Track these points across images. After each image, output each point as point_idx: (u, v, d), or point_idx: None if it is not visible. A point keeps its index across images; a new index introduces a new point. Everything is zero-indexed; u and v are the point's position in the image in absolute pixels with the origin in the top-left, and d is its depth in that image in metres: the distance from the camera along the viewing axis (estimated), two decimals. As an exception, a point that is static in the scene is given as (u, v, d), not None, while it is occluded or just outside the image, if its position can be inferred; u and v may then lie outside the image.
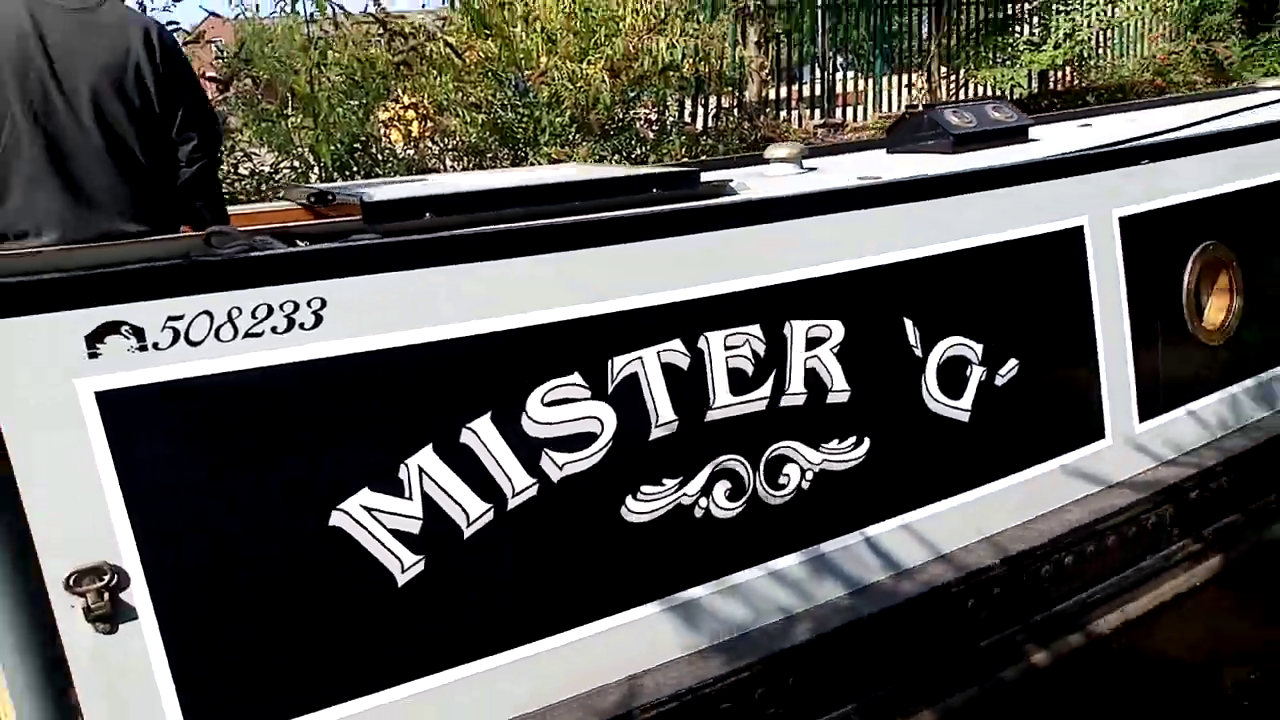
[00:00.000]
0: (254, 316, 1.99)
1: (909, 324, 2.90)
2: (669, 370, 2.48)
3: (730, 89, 10.60)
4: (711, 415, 2.55)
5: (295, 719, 2.05)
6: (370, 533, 2.12)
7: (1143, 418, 3.53)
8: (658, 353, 2.47)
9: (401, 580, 2.15)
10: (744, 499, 2.60)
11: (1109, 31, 13.80)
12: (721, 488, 2.57)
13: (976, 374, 3.05)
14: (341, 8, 6.52)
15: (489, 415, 2.24)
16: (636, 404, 2.44)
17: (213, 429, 2.01)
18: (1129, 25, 14.09)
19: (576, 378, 2.35)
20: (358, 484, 2.11)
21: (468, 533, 2.22)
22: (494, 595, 2.30)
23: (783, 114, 11.36)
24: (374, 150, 6.91)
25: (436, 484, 2.20)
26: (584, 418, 2.37)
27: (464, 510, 2.22)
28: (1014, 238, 3.18)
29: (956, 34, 12.70)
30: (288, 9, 6.49)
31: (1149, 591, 3.42)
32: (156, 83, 2.72)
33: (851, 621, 2.63)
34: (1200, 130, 4.10)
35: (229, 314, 1.96)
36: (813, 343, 2.72)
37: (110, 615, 1.89)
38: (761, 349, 2.62)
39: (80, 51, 2.61)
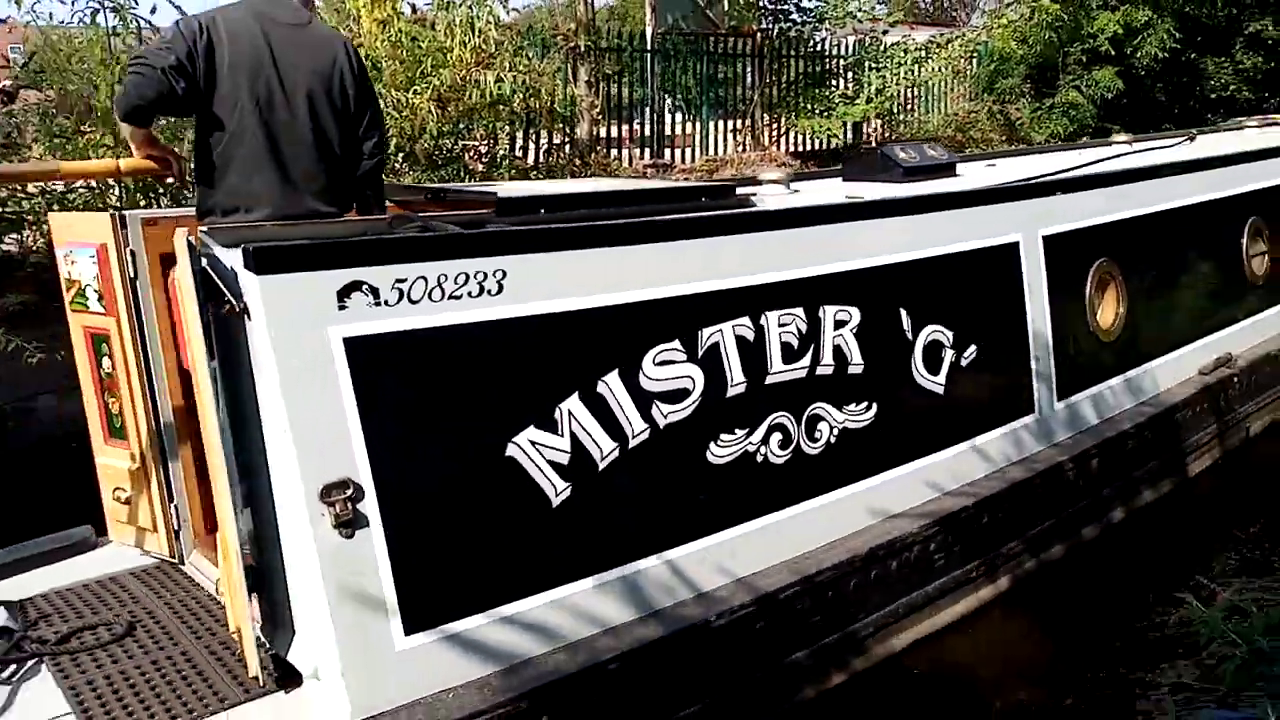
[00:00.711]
0: (456, 282, 2.52)
1: (903, 313, 3.66)
2: (741, 342, 3.14)
3: (561, 125, 10.72)
4: (769, 379, 3.23)
5: (472, 614, 2.56)
6: (534, 462, 2.68)
7: (1059, 398, 4.41)
8: (733, 327, 3.11)
9: (555, 502, 2.71)
10: (790, 449, 3.29)
11: (915, 89, 14.80)
12: (775, 438, 3.25)
13: (949, 356, 3.85)
14: (149, 23, 6.17)
15: (617, 371, 2.84)
16: (718, 368, 3.08)
17: (425, 372, 2.51)
18: (933, 85, 15.18)
19: (677, 344, 2.98)
20: (526, 422, 2.67)
21: (601, 466, 2.80)
22: (618, 517, 2.88)
23: (614, 152, 11.57)
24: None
25: (580, 425, 2.76)
26: (682, 376, 3.00)
27: (599, 447, 2.80)
28: (972, 248, 4.03)
29: (779, 85, 13.30)
30: (86, 19, 6.07)
31: (1094, 522, 4.49)
32: (354, 89, 3.23)
33: (878, 540, 3.40)
34: (1091, 171, 5.04)
35: (438, 279, 2.48)
36: (839, 324, 3.44)
37: (351, 521, 2.39)
38: (804, 327, 3.33)
39: (298, 59, 3.09)
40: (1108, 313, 4.76)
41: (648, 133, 12.20)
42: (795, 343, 3.31)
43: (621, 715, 2.76)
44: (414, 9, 8.30)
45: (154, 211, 4.06)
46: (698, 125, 12.66)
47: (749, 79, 13.08)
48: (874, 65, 13.62)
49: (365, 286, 2.40)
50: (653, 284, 2.95)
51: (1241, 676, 3.03)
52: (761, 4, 12.95)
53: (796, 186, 4.46)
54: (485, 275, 2.58)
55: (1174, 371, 5.16)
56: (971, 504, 3.74)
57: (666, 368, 2.96)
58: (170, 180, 3.73)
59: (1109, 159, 5.68)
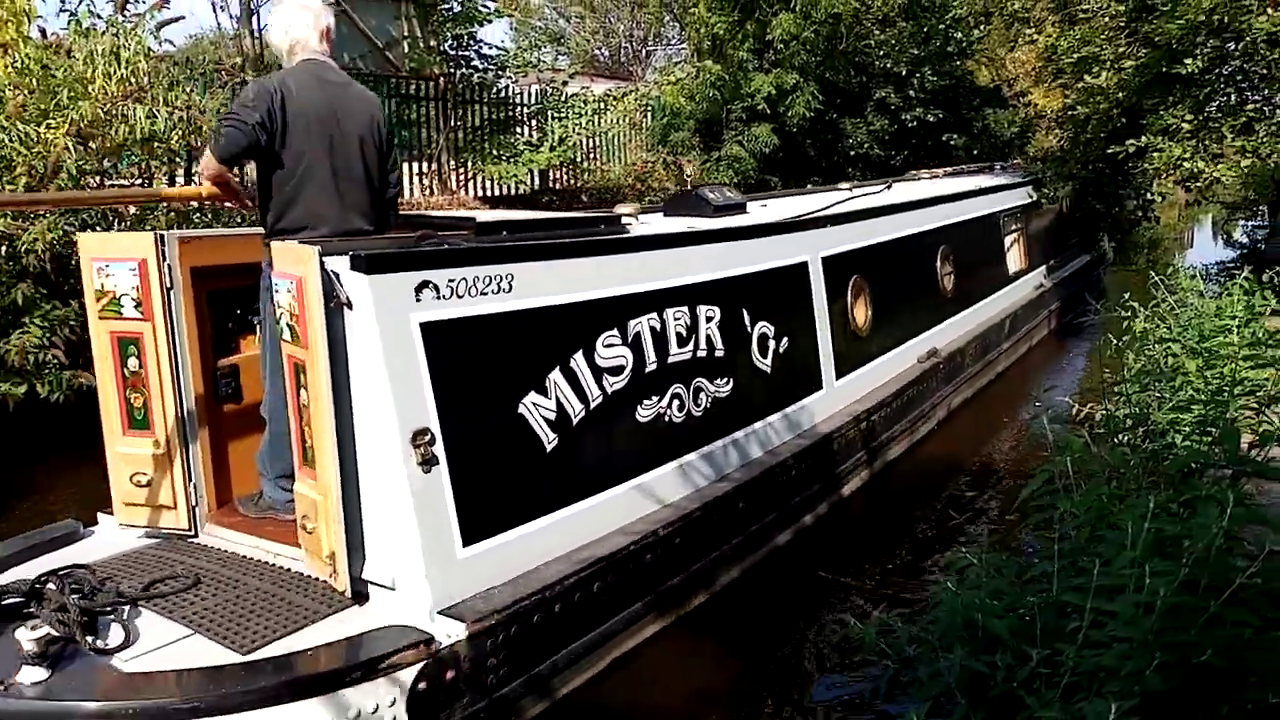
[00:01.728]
0: (484, 281, 3.51)
1: (744, 312, 5.06)
2: (653, 331, 4.35)
3: (229, 165, 10.01)
4: (670, 360, 4.45)
5: (503, 531, 3.54)
6: (535, 419, 3.70)
7: (837, 377, 6.02)
8: (647, 320, 4.32)
9: (548, 448, 3.75)
10: (684, 411, 4.54)
11: (596, 139, 15.40)
12: (674, 404, 4.49)
13: (771, 345, 5.25)
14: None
15: (581, 350, 3.93)
16: (640, 350, 4.26)
17: (468, 348, 3.48)
18: (614, 135, 15.88)
19: (615, 331, 4.12)
20: (528, 388, 3.68)
21: (574, 420, 3.87)
22: (586, 459, 3.96)
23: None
24: None
25: (561, 391, 3.81)
26: (619, 356, 4.14)
27: (573, 407, 3.86)
28: (782, 265, 5.54)
29: (464, 129, 13.29)
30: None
31: (870, 463, 6.20)
32: (384, 136, 4.06)
33: (738, 482, 4.71)
34: (843, 210, 6.69)
35: (475, 280, 3.47)
36: (708, 319, 4.74)
37: (429, 460, 3.31)
38: (689, 321, 4.60)
39: (351, 113, 3.89)
40: (860, 316, 6.44)
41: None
42: (684, 333, 4.59)
43: (593, 603, 3.78)
44: (44, 34, 7.38)
45: (187, 232, 4.56)
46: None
47: (436, 123, 12.94)
48: (556, 115, 14.00)
49: (431, 284, 3.39)
50: (601, 286, 4.12)
51: (894, 684, 3.34)
52: (443, 49, 12.87)
53: (643, 219, 5.42)
54: (502, 278, 3.62)
55: (903, 360, 7.02)
56: (790, 456, 5.19)
57: (611, 349, 4.13)
58: (230, 205, 4.62)
59: (846, 200, 7.21)
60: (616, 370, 4.12)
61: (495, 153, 12.92)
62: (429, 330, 3.36)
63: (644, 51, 28.98)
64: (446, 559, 3.37)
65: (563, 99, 14.32)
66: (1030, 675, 2.73)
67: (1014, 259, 10.02)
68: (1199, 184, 9.29)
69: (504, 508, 3.60)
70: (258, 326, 4.10)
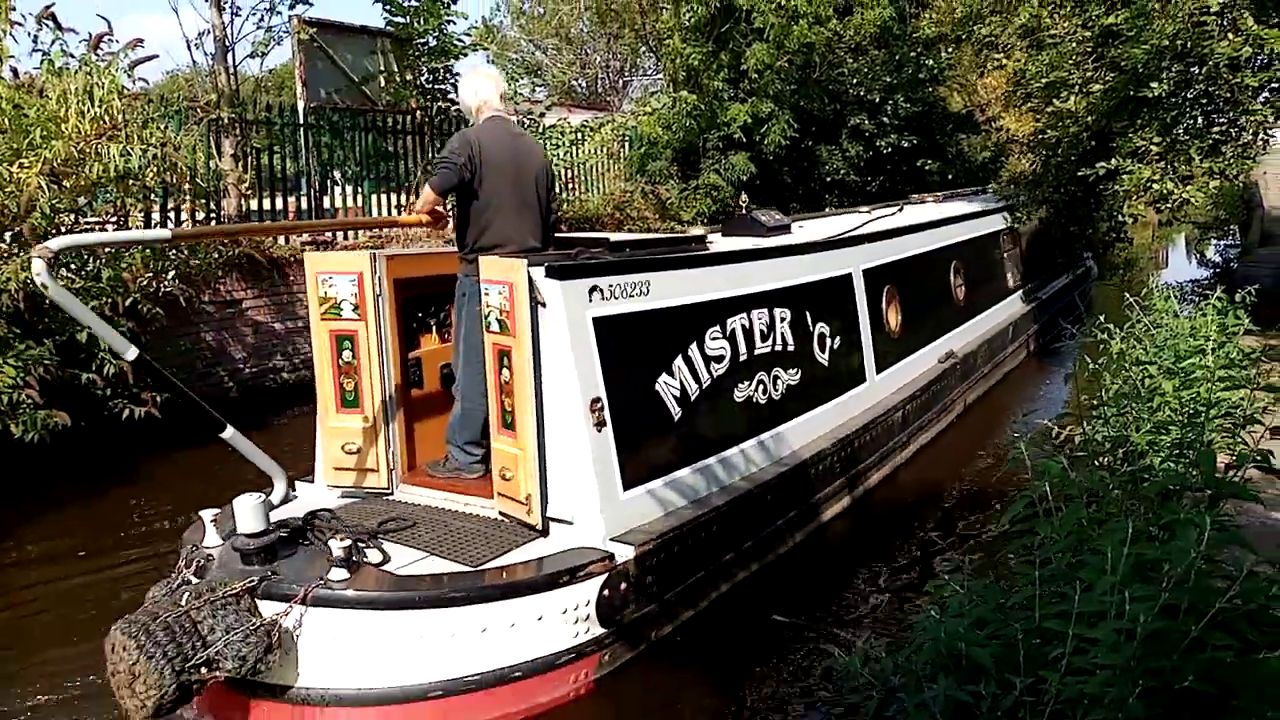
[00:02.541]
0: (631, 286, 4.62)
1: (807, 314, 6.17)
2: (743, 329, 5.45)
3: (205, 201, 9.98)
4: (756, 352, 5.57)
5: (652, 479, 4.65)
6: (665, 398, 4.81)
7: (877, 371, 7.14)
8: (739, 320, 5.41)
9: (675, 418, 4.86)
10: (765, 395, 5.65)
11: (575, 169, 15.47)
12: (760, 388, 5.60)
13: (828, 343, 6.40)
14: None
15: (695, 342, 5.04)
16: (735, 344, 5.36)
17: (623, 335, 4.54)
18: (592, 165, 15.96)
19: (718, 328, 5.23)
20: (660, 369, 4.81)
21: (694, 398, 4.97)
22: (700, 431, 5.04)
23: (268, 229, 10.93)
24: None
25: (682, 373, 4.92)
26: (721, 348, 5.25)
27: (690, 387, 4.98)
28: (832, 275, 6.65)
29: (441, 161, 13.32)
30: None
31: (904, 446, 7.34)
32: (549, 175, 5.12)
33: (817, 451, 5.92)
34: (875, 229, 7.87)
35: (625, 285, 4.59)
36: (782, 320, 5.85)
37: (601, 421, 4.40)
38: (769, 321, 5.71)
39: (526, 157, 4.93)
40: (893, 320, 7.58)
41: (304, 207, 11.67)
42: (765, 330, 5.73)
43: (711, 540, 4.89)
44: (16, 74, 7.36)
45: (390, 251, 5.54)
46: (359, 200, 12.31)
47: (414, 155, 12.96)
48: (534, 145, 14.05)
49: (598, 288, 4.51)
50: (709, 291, 5.27)
51: (880, 715, 3.31)
52: (420, 82, 12.92)
53: (711, 239, 6.41)
54: (642, 284, 4.77)
55: (927, 360, 8.15)
56: (833, 444, 6.13)
57: (715, 341, 5.27)
58: (435, 228, 5.21)
59: (870, 221, 8.39)
60: (719, 359, 5.32)
61: (473, 184, 12.93)
62: (598, 322, 4.52)
63: (621, 82, 29.20)
64: (613, 499, 4.48)
65: (540, 130, 14.38)
66: (1015, 704, 2.72)
67: (1012, 273, 11.27)
68: (1169, 205, 9.41)
69: (647, 463, 4.71)
70: (451, 325, 5.28)
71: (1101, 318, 7.04)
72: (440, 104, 13.11)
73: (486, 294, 4.47)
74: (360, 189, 12.32)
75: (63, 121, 6.83)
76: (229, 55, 10.48)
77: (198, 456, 7.01)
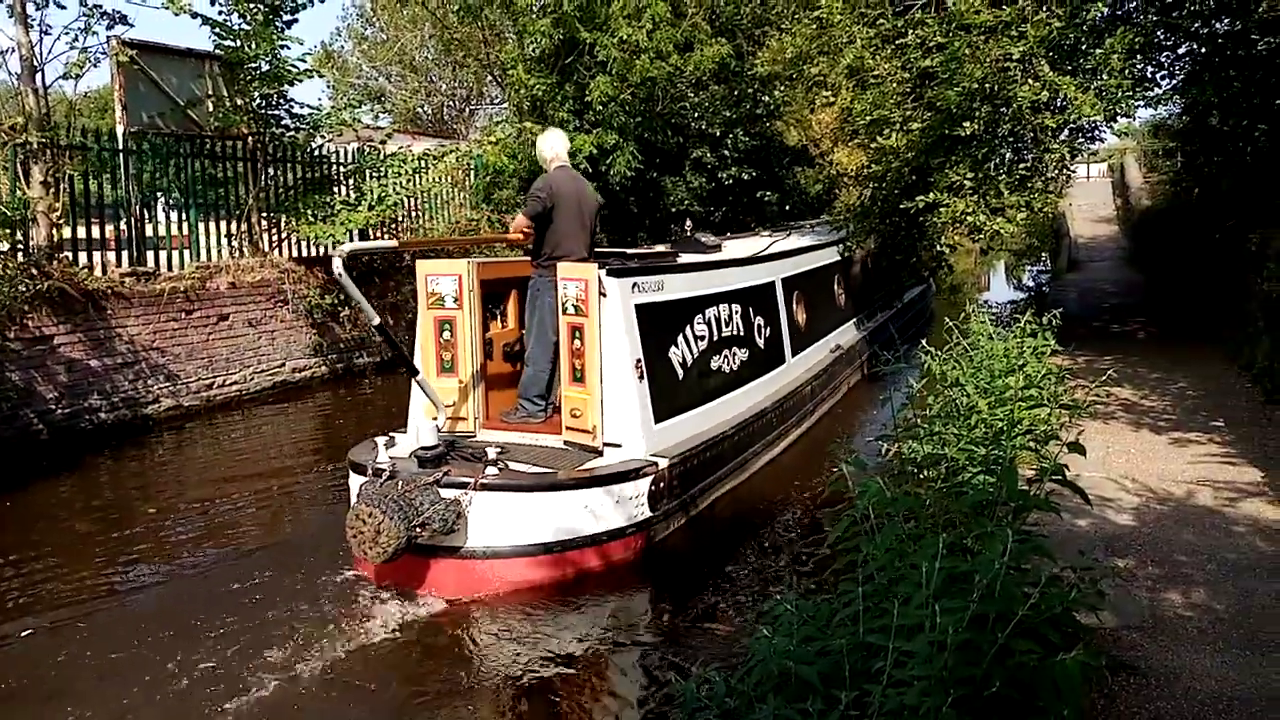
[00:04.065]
0: (655, 284, 6.78)
1: (751, 309, 8.37)
2: (715, 317, 7.63)
3: (10, 231, 9.26)
4: (722, 335, 7.72)
5: (669, 417, 6.73)
6: (674, 362, 6.95)
7: (792, 355, 9.31)
8: (713, 310, 7.62)
9: (679, 375, 7.00)
10: (730, 366, 7.82)
11: (419, 198, 15.18)
12: (725, 361, 7.76)
13: (764, 332, 8.64)
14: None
15: (688, 324, 7.22)
16: (710, 328, 7.52)
17: (651, 318, 6.65)
18: (437, 193, 15.71)
19: (701, 315, 7.43)
20: (670, 343, 6.95)
21: (690, 362, 7.16)
22: (694, 387, 7.20)
23: (82, 258, 10.22)
24: None
25: (683, 346, 7.09)
26: (703, 330, 7.42)
27: (687, 357, 7.12)
28: (764, 281, 8.90)
29: (275, 189, 12.82)
30: None
31: (809, 415, 9.56)
32: (598, 208, 7.02)
33: (758, 410, 8.04)
34: (787, 247, 10.27)
35: (651, 283, 6.73)
36: (735, 313, 8.00)
37: (642, 375, 6.49)
38: (728, 313, 7.90)
39: (584, 194, 6.81)
40: (800, 318, 9.84)
41: (126, 236, 10.96)
42: (727, 319, 7.83)
43: (708, 462, 6.97)
44: None
45: (479, 259, 7.30)
46: (185, 229, 11.68)
47: (246, 182, 12.42)
48: (375, 174, 13.73)
49: (637, 284, 6.49)
50: (697, 290, 7.40)
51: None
52: (251, 107, 12.40)
53: (680, 252, 8.74)
54: (659, 282, 6.79)
55: (823, 350, 10.53)
56: (771, 404, 8.38)
57: (700, 325, 7.33)
58: (519, 243, 6.98)
59: (773, 243, 10.62)
60: (702, 338, 7.42)
61: (310, 213, 12.49)
62: (638, 308, 6.54)
63: (467, 110, 28.98)
64: (650, 428, 6.50)
65: (380, 158, 14.07)
66: (840, 719, 2.80)
67: (877, 286, 13.96)
68: (984, 235, 10.06)
69: (667, 406, 6.75)
70: (527, 311, 6.92)
71: (923, 342, 7.45)
72: (274, 130, 12.61)
73: (564, 288, 6.45)
74: (186, 217, 11.70)
75: None
76: (38, 76, 9.77)
77: None
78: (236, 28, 11.90)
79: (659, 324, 6.78)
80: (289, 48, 12.23)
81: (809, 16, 11.37)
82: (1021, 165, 9.96)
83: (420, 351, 6.72)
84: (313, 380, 12.32)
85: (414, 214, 15.24)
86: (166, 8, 10.46)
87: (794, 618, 3.42)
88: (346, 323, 12.84)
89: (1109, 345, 10.18)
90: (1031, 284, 20.40)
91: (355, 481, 6.03)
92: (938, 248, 12.90)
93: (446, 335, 6.64)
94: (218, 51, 12.15)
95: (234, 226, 12.32)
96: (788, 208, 18.33)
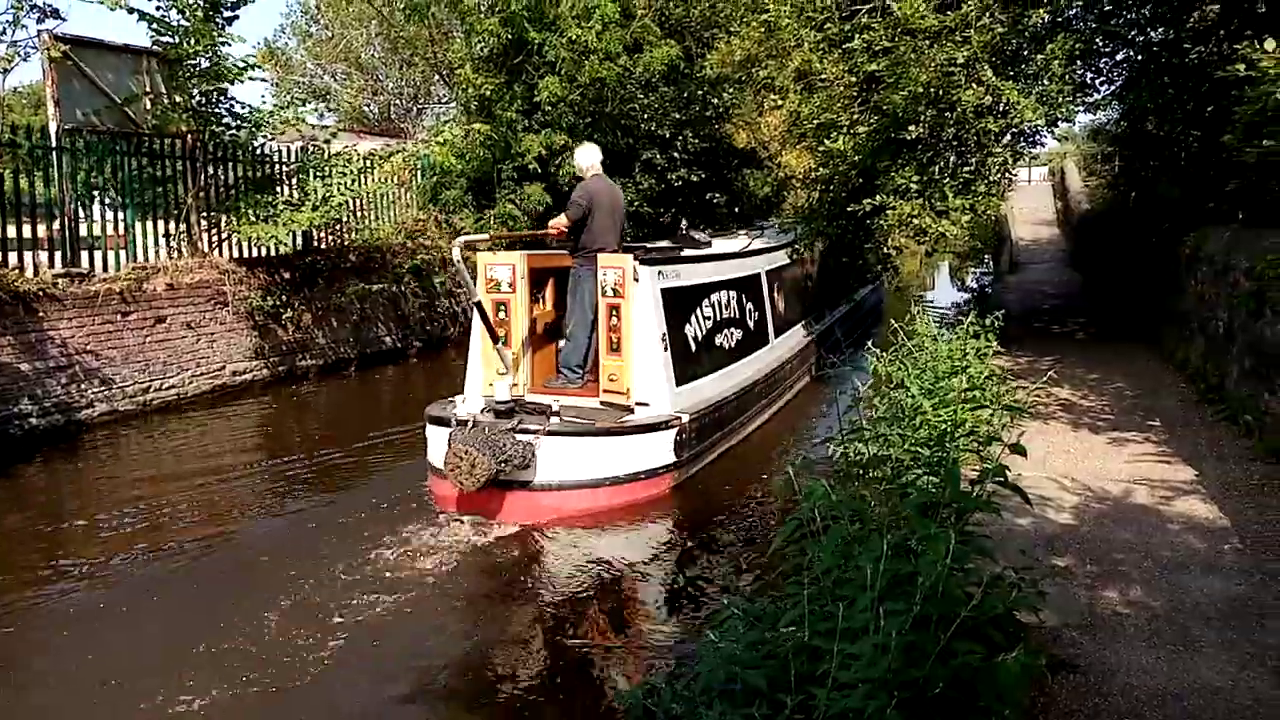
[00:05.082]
0: (674, 272, 8.33)
1: (743, 296, 9.83)
2: (719, 300, 9.16)
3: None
4: (722, 316, 9.20)
5: (686, 383, 8.15)
6: (688, 336, 8.42)
7: (775, 337, 10.74)
8: (716, 295, 9.11)
9: (693, 349, 8.47)
10: (729, 343, 9.30)
11: (365, 198, 14.94)
12: (724, 340, 9.21)
13: (753, 315, 10.12)
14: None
15: (698, 307, 8.70)
16: (714, 310, 9.01)
17: (672, 299, 8.12)
18: (383, 194, 15.49)
19: (709, 299, 8.95)
20: (685, 321, 8.40)
21: (701, 337, 8.64)
22: (703, 358, 8.65)
23: (13, 258, 9.89)
24: None
25: (694, 324, 8.55)
26: (711, 311, 8.98)
27: (698, 334, 8.60)
28: (753, 272, 10.39)
29: (215, 189, 12.54)
30: None
31: (790, 388, 11.32)
32: (624, 208, 8.54)
33: (744, 387, 9.28)
34: (764, 245, 11.65)
35: (672, 270, 8.29)
36: (731, 299, 9.47)
37: (666, 347, 7.88)
38: (726, 298, 9.35)
39: (615, 197, 8.26)
40: (780, 305, 11.18)
41: (59, 236, 10.62)
42: (725, 303, 9.22)
43: (716, 421, 8.42)
44: None
45: (530, 252, 8.38)
46: (121, 229, 11.36)
47: (185, 181, 12.11)
48: (319, 173, 13.49)
49: (661, 271, 7.98)
50: (704, 278, 8.90)
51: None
52: (190, 105, 12.10)
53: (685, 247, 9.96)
54: (676, 270, 8.34)
55: (800, 334, 12.09)
56: (763, 375, 9.79)
57: (707, 307, 8.79)
58: (558, 238, 8.23)
59: (755, 239, 12.15)
60: (708, 319, 8.81)
61: (251, 213, 12.22)
62: (663, 291, 7.89)
63: (415, 109, 28.66)
64: (672, 389, 7.80)
65: (325, 157, 13.83)
66: (785, 723, 2.79)
67: (838, 279, 15.23)
68: (929, 237, 10.19)
69: (684, 373, 8.08)
70: (569, 295, 8.11)
71: (869, 344, 7.52)
72: (214, 128, 12.33)
73: (604, 275, 7.68)
74: (123, 216, 11.38)
75: None
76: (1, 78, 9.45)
77: None
78: (175, 23, 11.60)
79: (677, 305, 8.18)
80: (229, 44, 11.96)
81: (757, 20, 11.41)
82: (965, 169, 10.10)
83: (478, 328, 7.92)
84: (253, 383, 12.06)
85: (358, 214, 15.00)
86: (102, 2, 10.17)
87: (741, 621, 3.41)
88: (289, 325, 12.60)
89: (1049, 346, 10.37)
90: (975, 285, 20.72)
91: (434, 432, 7.51)
92: (884, 250, 13.04)
93: (502, 315, 7.83)
94: (156, 48, 11.85)
95: (172, 226, 12.02)
96: (737, 209, 18.40)
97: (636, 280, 7.55)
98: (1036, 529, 4.90)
